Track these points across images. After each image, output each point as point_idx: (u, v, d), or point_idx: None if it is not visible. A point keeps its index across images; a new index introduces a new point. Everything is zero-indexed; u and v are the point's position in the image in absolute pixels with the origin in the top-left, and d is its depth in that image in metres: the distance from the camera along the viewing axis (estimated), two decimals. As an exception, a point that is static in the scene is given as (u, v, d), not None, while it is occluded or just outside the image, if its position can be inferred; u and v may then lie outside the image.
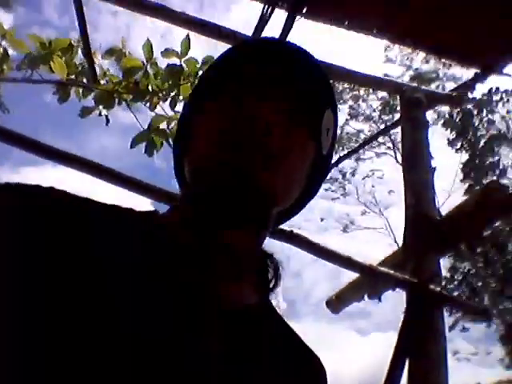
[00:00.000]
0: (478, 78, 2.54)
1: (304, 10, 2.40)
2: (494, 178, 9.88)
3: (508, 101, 9.59)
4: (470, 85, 2.60)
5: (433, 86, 9.69)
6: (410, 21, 2.31)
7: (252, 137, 0.46)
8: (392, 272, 2.01)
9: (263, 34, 2.52)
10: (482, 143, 10.00)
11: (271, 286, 0.55)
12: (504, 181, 9.91)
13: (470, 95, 2.59)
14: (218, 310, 0.45)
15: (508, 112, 9.74)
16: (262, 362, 0.46)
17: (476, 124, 10.01)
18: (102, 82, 2.70)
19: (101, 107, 2.68)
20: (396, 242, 12.30)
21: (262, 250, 0.55)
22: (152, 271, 0.44)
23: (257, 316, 0.50)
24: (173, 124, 2.71)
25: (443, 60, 2.55)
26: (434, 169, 2.30)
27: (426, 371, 1.85)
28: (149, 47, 2.63)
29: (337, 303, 2.60)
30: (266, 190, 0.46)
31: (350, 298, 2.62)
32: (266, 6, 2.39)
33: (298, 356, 0.52)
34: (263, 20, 2.44)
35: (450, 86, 10.22)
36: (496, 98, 9.74)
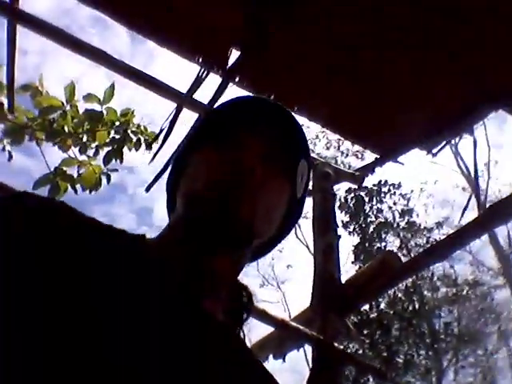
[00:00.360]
0: (377, 163, 2.91)
1: (236, 79, 2.63)
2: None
3: (394, 193, 10.83)
4: (370, 168, 2.96)
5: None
6: (330, 105, 2.64)
7: (238, 176, 0.55)
8: (302, 328, 2.10)
9: (197, 93, 2.70)
10: (371, 229, 10.97)
11: (244, 313, 0.63)
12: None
13: (369, 176, 2.92)
14: (204, 321, 0.52)
15: (394, 203, 10.96)
16: (238, 370, 0.53)
17: (367, 211, 11.04)
18: (10, 117, 2.62)
19: (4, 142, 2.58)
20: (290, 316, 12.55)
21: (238, 281, 0.63)
22: (143, 288, 0.49)
23: (231, 333, 0.58)
24: (82, 170, 2.67)
25: (350, 141, 2.88)
26: (340, 236, 2.52)
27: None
28: (71, 89, 2.65)
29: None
30: (246, 220, 0.54)
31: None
32: (203, 70, 2.58)
33: (262, 372, 0.59)
34: (198, 81, 2.62)
35: (350, 160, 11.36)
36: (384, 189, 10.97)
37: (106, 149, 2.79)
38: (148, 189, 2.76)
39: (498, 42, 2.11)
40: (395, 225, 10.85)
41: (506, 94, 2.23)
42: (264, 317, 2.12)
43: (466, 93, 2.39)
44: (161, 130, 2.62)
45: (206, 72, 2.60)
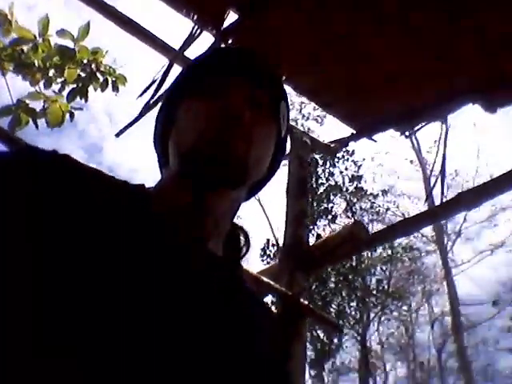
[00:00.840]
0: (351, 138, 3.11)
1: (229, 41, 2.67)
2: (326, 221, 11.36)
3: (347, 159, 11.26)
4: (344, 141, 3.15)
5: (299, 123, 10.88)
6: (314, 76, 2.75)
7: (227, 123, 0.58)
8: (273, 283, 2.33)
9: (188, 50, 2.71)
10: (321, 190, 11.41)
11: (242, 252, 0.68)
12: (333, 226, 11.49)
13: (342, 149, 3.11)
14: (204, 261, 0.56)
15: (346, 169, 11.41)
16: (239, 309, 0.57)
17: (319, 173, 11.42)
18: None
19: None
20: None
21: (234, 223, 0.67)
22: (145, 236, 0.52)
23: (233, 270, 0.62)
24: (47, 105, 2.64)
25: (330, 114, 3.04)
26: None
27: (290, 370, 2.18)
28: (45, 22, 2.57)
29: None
30: (241, 161, 0.58)
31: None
32: (196, 27, 2.59)
33: (263, 306, 0.67)
34: (190, 38, 2.63)
35: (312, 124, 11.58)
36: (338, 154, 11.34)
37: (72, 86, 2.76)
38: (118, 134, 2.80)
39: (483, 37, 2.28)
40: (344, 189, 11.33)
41: (483, 90, 2.44)
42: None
43: (445, 81, 2.58)
44: (152, 82, 2.64)
45: (199, 30, 2.62)
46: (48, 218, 0.46)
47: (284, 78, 2.86)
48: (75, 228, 0.46)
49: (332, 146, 3.24)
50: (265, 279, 2.34)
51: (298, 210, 2.76)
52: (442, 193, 2.22)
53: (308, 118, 12.04)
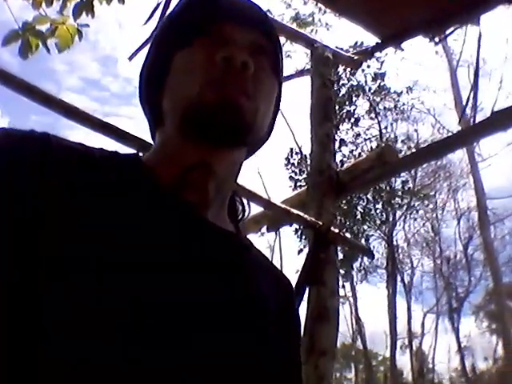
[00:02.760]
0: (377, 48, 2.86)
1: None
2: (349, 124, 11.10)
3: (370, 58, 10.60)
4: (369, 53, 2.91)
5: (308, 30, 10.16)
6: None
7: (233, 73, 0.53)
8: (302, 214, 2.32)
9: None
10: (342, 92, 10.97)
11: (240, 215, 0.65)
12: (356, 129, 11.22)
13: (367, 60, 2.89)
14: (206, 230, 0.53)
15: (368, 67, 10.80)
16: (251, 281, 0.54)
17: (340, 73, 10.89)
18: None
19: None
20: (259, 173, 13.25)
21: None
22: (138, 212, 0.50)
23: (236, 240, 0.59)
24: (53, 28, 2.51)
25: (352, 22, 2.78)
26: (337, 127, 2.60)
27: (322, 297, 2.25)
28: None
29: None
30: (250, 114, 0.53)
31: (249, 230, 2.88)
32: None
33: (274, 275, 0.63)
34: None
35: (321, 30, 10.85)
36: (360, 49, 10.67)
37: (74, 2, 2.59)
38: (131, 58, 2.68)
39: None
40: (366, 89, 10.85)
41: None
42: (268, 204, 2.30)
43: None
44: (157, 6, 2.44)
45: None
46: (47, 204, 0.44)
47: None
48: (76, 212, 0.45)
49: (356, 58, 3.01)
50: (294, 211, 2.33)
51: (324, 133, 2.65)
52: (475, 114, 2.05)
53: (325, 12, 11.14)
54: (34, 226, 0.43)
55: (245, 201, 0.67)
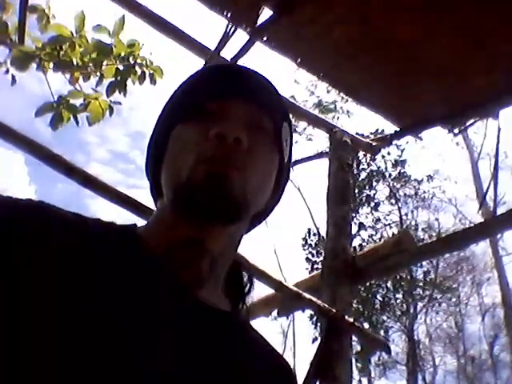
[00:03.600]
0: (396, 136, 2.90)
1: (264, 38, 2.52)
2: (369, 209, 11.07)
3: (388, 145, 10.83)
4: (387, 140, 2.94)
5: (330, 116, 10.55)
6: (356, 75, 2.57)
7: (224, 150, 0.52)
8: (314, 299, 2.19)
9: (224, 49, 2.59)
10: (362, 176, 11.09)
11: (245, 291, 0.62)
12: (376, 213, 11.17)
13: (385, 147, 2.91)
14: (196, 311, 0.51)
15: (388, 153, 11.01)
16: (241, 366, 0.52)
17: (360, 158, 11.09)
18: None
19: (8, 65, 2.52)
20: (276, 253, 13.07)
21: (236, 256, 0.61)
22: (129, 286, 0.48)
23: (232, 321, 0.56)
24: (86, 102, 2.63)
25: (371, 111, 2.84)
26: (357, 210, 2.55)
27: (334, 393, 2.05)
28: (81, 18, 2.54)
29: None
30: (240, 195, 0.52)
31: (259, 313, 2.74)
32: (230, 25, 2.46)
33: (271, 361, 0.58)
34: (225, 37, 2.51)
35: (343, 117, 11.24)
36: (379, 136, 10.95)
37: (109, 79, 2.74)
38: None
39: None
40: (387, 174, 10.96)
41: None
42: (280, 286, 2.20)
43: (496, 77, 2.35)
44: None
45: (233, 28, 2.49)
46: (31, 267, 0.44)
47: (322, 75, 2.70)
48: (59, 276, 0.44)
49: (374, 144, 3.04)
50: (306, 295, 2.21)
51: (340, 216, 2.60)
52: (495, 205, 1.99)
53: (347, 100, 11.59)
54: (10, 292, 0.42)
55: (248, 276, 0.64)
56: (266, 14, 2.44)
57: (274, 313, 2.89)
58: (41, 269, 0.44)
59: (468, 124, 2.61)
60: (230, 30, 2.48)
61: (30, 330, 0.41)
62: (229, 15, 2.42)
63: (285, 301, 2.54)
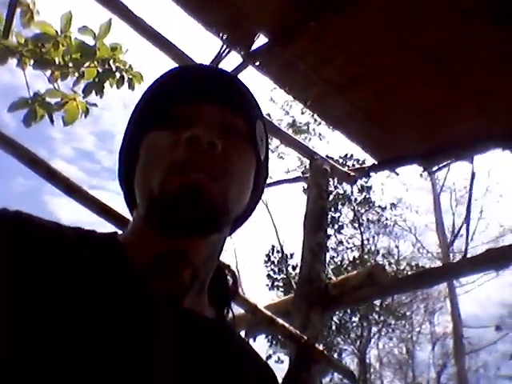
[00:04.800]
0: (373, 168, 2.99)
1: (257, 63, 2.56)
2: (333, 231, 11.24)
3: (365, 177, 11.10)
4: (365, 172, 3.03)
5: (302, 136, 10.73)
6: (342, 107, 2.65)
7: (198, 156, 0.50)
8: (287, 325, 2.21)
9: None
10: (329, 198, 11.29)
11: (229, 296, 0.61)
12: (339, 236, 11.36)
13: (362, 178, 3.00)
14: (181, 319, 0.50)
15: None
16: (228, 372, 0.51)
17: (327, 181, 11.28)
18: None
19: None
20: (237, 267, 13.02)
21: (220, 262, 0.59)
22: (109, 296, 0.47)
23: (217, 328, 0.55)
24: (63, 101, 2.59)
25: (352, 143, 2.92)
26: (328, 237, 2.61)
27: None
28: (68, 18, 2.50)
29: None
30: (218, 197, 0.50)
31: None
32: (225, 46, 2.49)
33: (256, 367, 0.58)
34: (218, 57, 2.53)
35: (314, 139, 11.45)
36: (349, 163, 11.23)
37: (87, 80, 2.70)
38: None
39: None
40: (352, 199, 11.20)
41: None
42: (237, 300, 2.20)
43: (475, 123, 2.48)
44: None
45: (227, 50, 2.52)
46: (14, 281, 0.43)
47: (308, 104, 2.76)
48: (41, 289, 0.43)
49: (352, 174, 3.12)
50: (280, 321, 2.22)
51: (316, 243, 2.64)
52: (467, 247, 2.09)
53: (320, 123, 11.85)
54: None
55: (233, 279, 0.62)
56: (261, 40, 2.50)
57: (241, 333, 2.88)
58: (22, 281, 0.43)
59: (443, 164, 2.73)
60: (224, 51, 2.51)
61: (18, 345, 0.40)
62: (224, 37, 2.45)
63: (254, 323, 2.54)
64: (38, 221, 0.49)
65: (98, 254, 0.50)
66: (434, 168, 2.74)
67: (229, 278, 0.62)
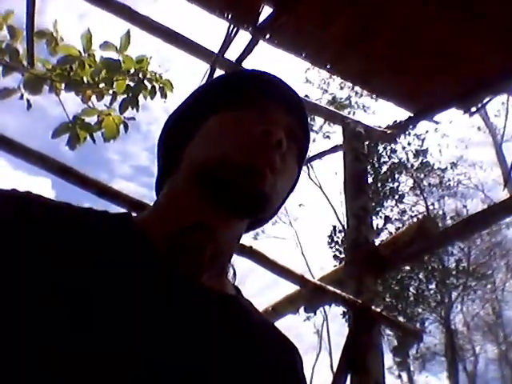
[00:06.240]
0: (410, 121, 2.85)
1: (267, 36, 2.52)
2: (394, 202, 10.89)
3: (409, 134, 10.66)
4: (402, 127, 2.90)
5: (345, 111, 10.46)
6: (362, 62, 2.54)
7: (266, 147, 0.53)
8: (339, 292, 2.17)
9: (229, 51, 2.61)
10: (384, 169, 10.93)
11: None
12: (401, 205, 10.97)
13: (400, 135, 2.86)
14: (198, 294, 0.50)
15: (408, 144, 10.83)
16: (246, 346, 0.51)
17: (380, 151, 10.93)
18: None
19: (22, 90, 2.58)
20: (303, 253, 13.01)
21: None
22: (131, 271, 0.47)
23: (234, 303, 0.56)
24: (100, 119, 2.67)
25: (383, 99, 2.80)
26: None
27: (366, 385, 2.02)
28: (88, 37, 2.58)
29: (272, 314, 2.68)
30: (269, 189, 0.53)
31: (285, 310, 2.73)
32: (232, 26, 2.47)
33: (276, 341, 0.58)
34: (227, 38, 2.52)
35: (359, 112, 11.13)
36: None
37: (122, 96, 2.78)
38: None
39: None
40: (409, 165, 10.77)
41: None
42: (303, 281, 2.18)
43: (507, 52, 2.29)
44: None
45: (235, 29, 2.50)
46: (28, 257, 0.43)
47: (328, 67, 2.68)
48: (53, 266, 0.44)
49: (389, 132, 3.00)
50: (330, 288, 2.19)
51: (359, 207, 2.57)
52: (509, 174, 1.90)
53: (361, 95, 11.48)
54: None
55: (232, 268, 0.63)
56: (266, 11, 2.46)
57: (301, 310, 2.87)
58: (33, 259, 0.43)
59: (484, 102, 2.54)
60: (232, 31, 2.50)
61: (26, 320, 0.40)
62: (229, 17, 2.43)
63: (309, 296, 2.52)
64: (47, 199, 0.51)
65: (110, 230, 0.51)
66: (475, 108, 2.56)
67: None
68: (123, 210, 0.58)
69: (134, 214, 0.57)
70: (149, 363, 0.42)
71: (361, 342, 2.09)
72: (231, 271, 0.62)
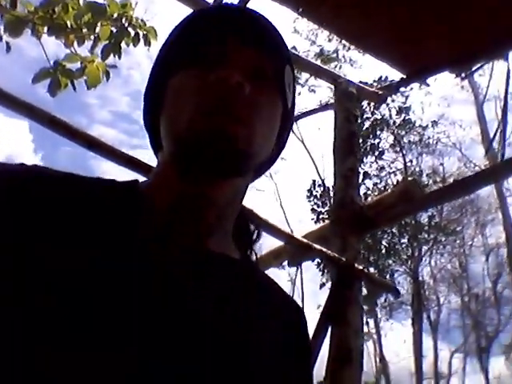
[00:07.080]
0: (402, 83, 2.86)
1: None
2: (373, 158, 11.03)
3: (395, 93, 10.60)
4: (394, 87, 2.91)
5: (332, 65, 10.30)
6: (359, 22, 2.50)
7: (226, 97, 0.50)
8: (325, 249, 2.27)
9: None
10: (366, 125, 10.97)
11: (252, 239, 0.63)
12: (380, 162, 11.14)
13: (392, 95, 2.88)
14: (205, 259, 0.51)
15: (393, 101, 10.81)
16: (253, 309, 0.52)
17: (363, 107, 10.91)
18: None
19: (1, 32, 2.47)
20: (281, 205, 13.23)
21: (243, 206, 0.60)
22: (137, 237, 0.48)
23: (241, 267, 0.56)
24: (83, 66, 2.60)
25: (377, 59, 2.79)
26: (361, 160, 2.57)
27: (346, 337, 2.16)
28: None
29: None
30: (243, 141, 0.50)
31: (269, 264, 2.83)
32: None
33: (281, 302, 0.59)
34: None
35: (345, 66, 10.98)
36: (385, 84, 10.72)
37: (104, 42, 2.69)
38: None
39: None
40: (391, 122, 10.83)
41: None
42: (274, 231, 2.24)
43: (503, 17, 2.28)
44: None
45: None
46: (32, 229, 0.44)
47: (324, 24, 2.63)
48: (55, 238, 0.44)
49: (380, 92, 3.01)
50: (316, 246, 2.28)
51: (347, 168, 2.62)
52: (504, 149, 1.99)
53: (349, 49, 11.27)
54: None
55: (255, 226, 0.64)
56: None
57: (284, 263, 2.98)
58: (36, 231, 0.44)
59: (476, 67, 2.56)
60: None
61: (24, 291, 0.41)
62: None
63: (295, 252, 2.61)
64: (53, 171, 0.51)
65: (116, 200, 0.51)
66: (467, 72, 2.58)
67: (251, 222, 0.63)
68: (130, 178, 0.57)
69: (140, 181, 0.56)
70: (145, 364, 0.41)
71: (343, 297, 2.21)
72: (255, 234, 0.63)
